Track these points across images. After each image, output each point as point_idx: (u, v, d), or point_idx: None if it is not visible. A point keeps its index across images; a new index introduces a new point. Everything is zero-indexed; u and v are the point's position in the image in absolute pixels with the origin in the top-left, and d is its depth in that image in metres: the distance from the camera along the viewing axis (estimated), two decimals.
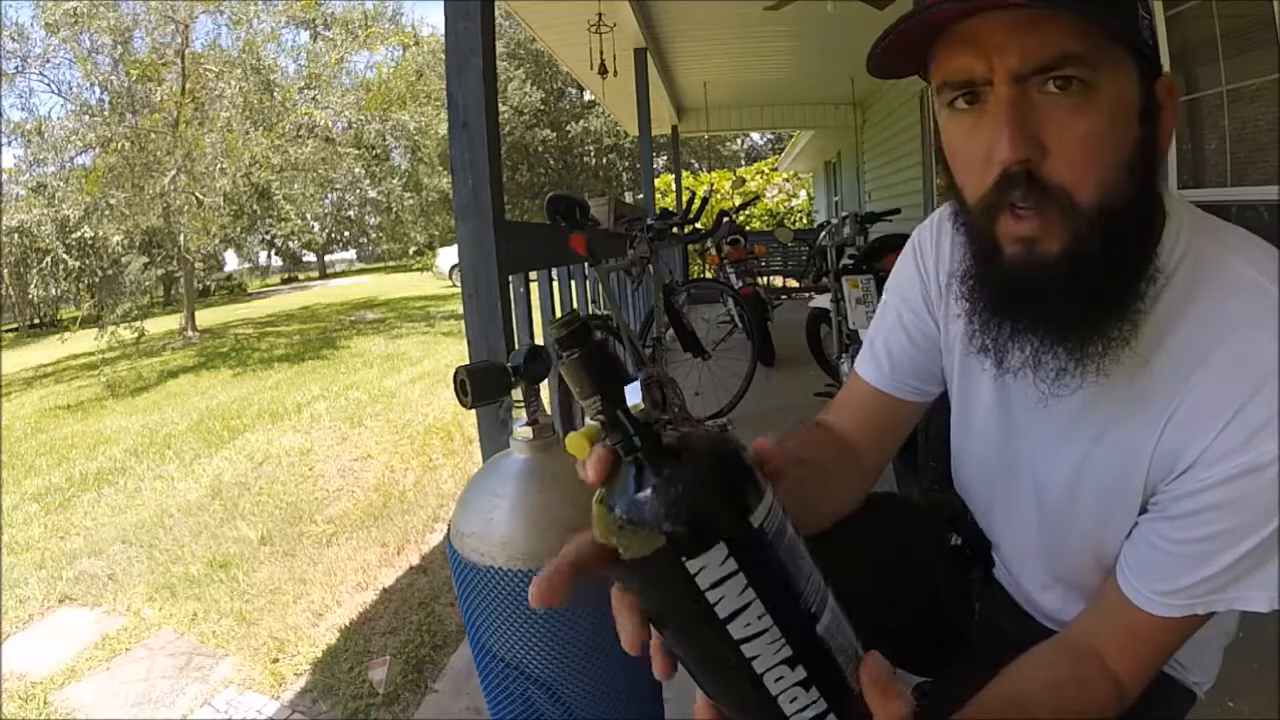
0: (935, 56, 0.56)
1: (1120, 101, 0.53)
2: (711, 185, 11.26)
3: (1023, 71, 0.51)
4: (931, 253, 0.77)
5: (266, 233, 22.57)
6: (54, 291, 11.27)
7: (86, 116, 10.49)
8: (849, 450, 0.77)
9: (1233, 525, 0.54)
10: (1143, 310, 0.56)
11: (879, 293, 2.25)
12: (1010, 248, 0.56)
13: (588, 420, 0.41)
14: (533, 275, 2.16)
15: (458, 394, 0.82)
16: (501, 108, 2.73)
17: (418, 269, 20.39)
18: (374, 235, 22.31)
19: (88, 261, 10.30)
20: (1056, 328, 0.56)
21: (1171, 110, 0.57)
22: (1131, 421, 0.60)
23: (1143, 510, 0.61)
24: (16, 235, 10.00)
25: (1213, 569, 0.55)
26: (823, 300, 4.04)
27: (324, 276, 26.52)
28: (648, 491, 0.37)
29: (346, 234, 25.01)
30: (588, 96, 20.84)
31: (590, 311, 2.77)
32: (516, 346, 1.56)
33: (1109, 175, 0.53)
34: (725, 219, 5.07)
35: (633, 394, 0.41)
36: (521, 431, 0.83)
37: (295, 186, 13.13)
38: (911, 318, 0.78)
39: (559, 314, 2.43)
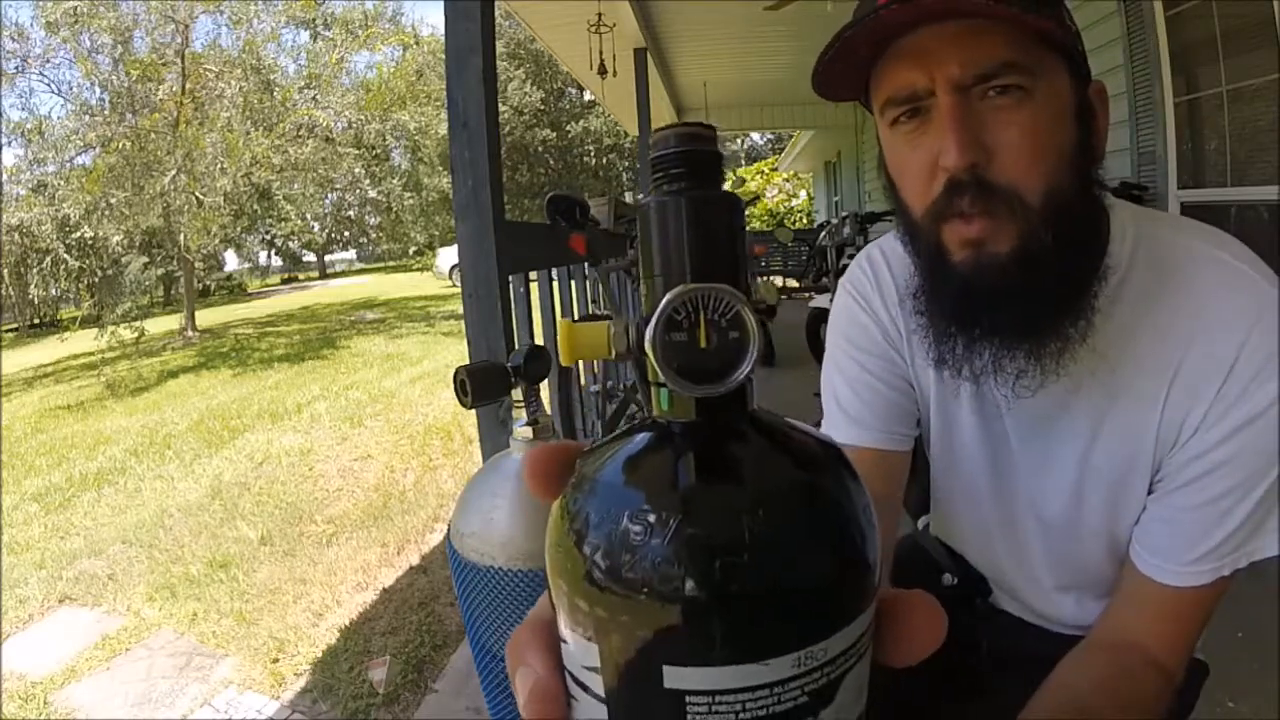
0: (877, 78, 0.58)
1: (1057, 103, 0.54)
2: None
3: (963, 81, 0.52)
4: (875, 293, 0.74)
5: (266, 233, 22.59)
6: (54, 291, 11.28)
7: (86, 116, 10.50)
8: None
9: (1244, 476, 0.56)
10: (1098, 308, 0.57)
11: None
12: (959, 253, 0.56)
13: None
14: (533, 275, 2.16)
15: (458, 394, 0.82)
16: (501, 108, 2.72)
17: (418, 269, 20.38)
18: (374, 235, 22.34)
19: (88, 261, 10.30)
20: (1013, 330, 0.57)
21: (1104, 113, 0.59)
22: (1128, 410, 0.60)
23: (1149, 491, 0.62)
24: (16, 235, 10.01)
25: (1233, 524, 0.57)
26: (823, 300, 4.05)
27: (324, 276, 26.51)
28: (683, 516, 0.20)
29: (346, 234, 25.02)
30: (588, 96, 20.84)
31: (590, 311, 2.77)
32: (516, 346, 1.56)
33: (1053, 174, 0.54)
34: None
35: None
36: (521, 431, 0.83)
37: (295, 186, 13.14)
38: (875, 362, 0.74)
39: (559, 314, 2.44)
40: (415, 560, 2.77)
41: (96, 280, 10.29)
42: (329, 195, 16.52)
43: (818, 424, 0.77)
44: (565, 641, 0.23)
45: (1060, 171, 0.54)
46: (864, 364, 0.74)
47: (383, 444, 4.46)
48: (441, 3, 1.60)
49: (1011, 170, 0.53)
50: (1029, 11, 0.50)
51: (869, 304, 0.75)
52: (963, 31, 0.52)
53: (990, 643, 0.83)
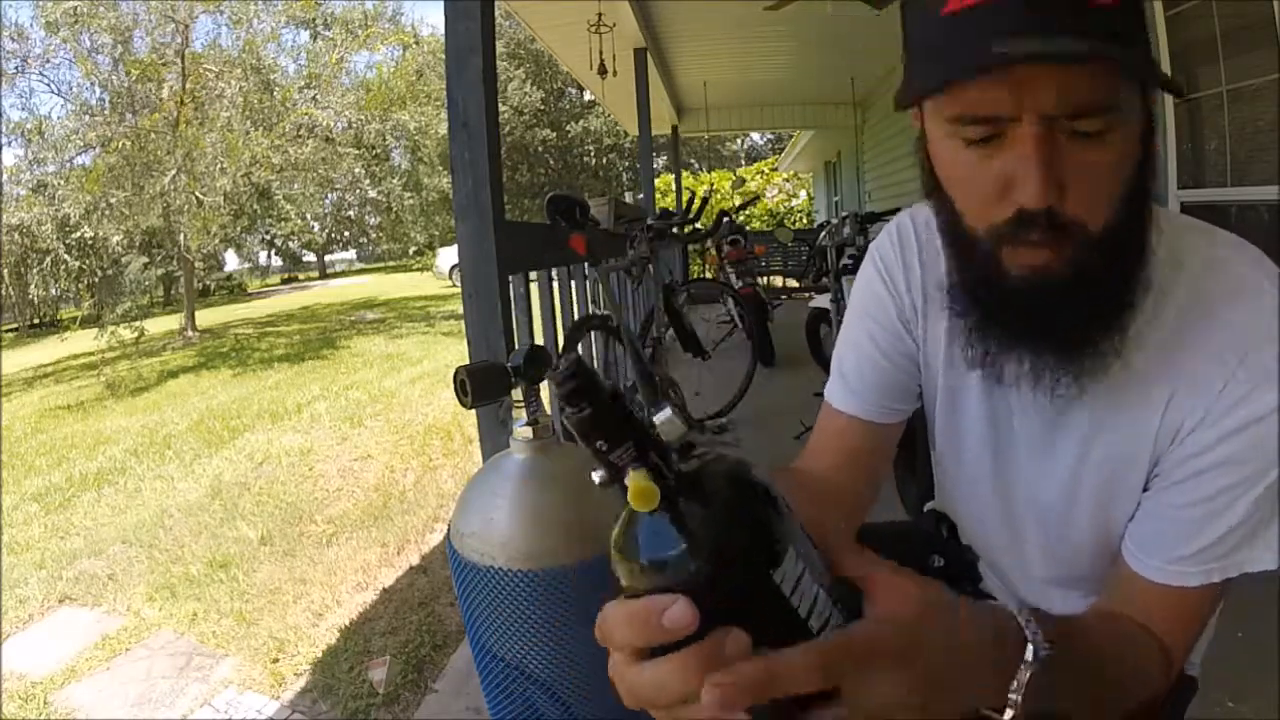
0: (951, 83, 0.54)
1: (1133, 135, 0.53)
2: (711, 185, 11.25)
3: (1055, 114, 0.50)
4: (899, 269, 0.74)
5: (266, 233, 22.58)
6: (54, 291, 11.29)
7: (86, 116, 10.50)
8: (829, 502, 0.74)
9: (1238, 479, 0.56)
10: (1134, 321, 0.57)
11: None
12: (1016, 271, 0.56)
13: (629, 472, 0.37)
14: (533, 275, 2.16)
15: (458, 394, 0.82)
16: (501, 108, 2.72)
17: (418, 269, 20.38)
18: (374, 235, 22.32)
19: (88, 261, 10.31)
20: (1055, 345, 0.57)
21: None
22: (1133, 407, 0.61)
23: (1145, 488, 0.62)
24: (16, 235, 10.01)
25: (1222, 527, 0.57)
26: (823, 300, 4.05)
27: (324, 276, 26.51)
28: (683, 539, 0.35)
29: (346, 234, 25.02)
30: (588, 96, 20.84)
31: (590, 311, 2.77)
32: (516, 346, 1.56)
33: (1117, 203, 0.54)
34: (725, 219, 5.07)
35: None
36: (521, 431, 0.83)
37: (295, 186, 13.13)
38: (885, 336, 0.76)
39: (559, 314, 2.44)
40: (415, 560, 2.77)
41: (96, 280, 10.30)
42: (329, 195, 16.51)
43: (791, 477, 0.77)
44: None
45: (1123, 199, 0.54)
46: (874, 335, 0.76)
47: (383, 444, 4.46)
48: (441, 3, 1.60)
49: (1081, 207, 0.52)
50: (1129, 47, 0.49)
51: (891, 278, 0.75)
52: (1062, 65, 0.49)
53: None
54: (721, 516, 0.35)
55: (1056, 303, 0.55)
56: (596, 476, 0.37)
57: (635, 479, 0.35)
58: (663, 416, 0.36)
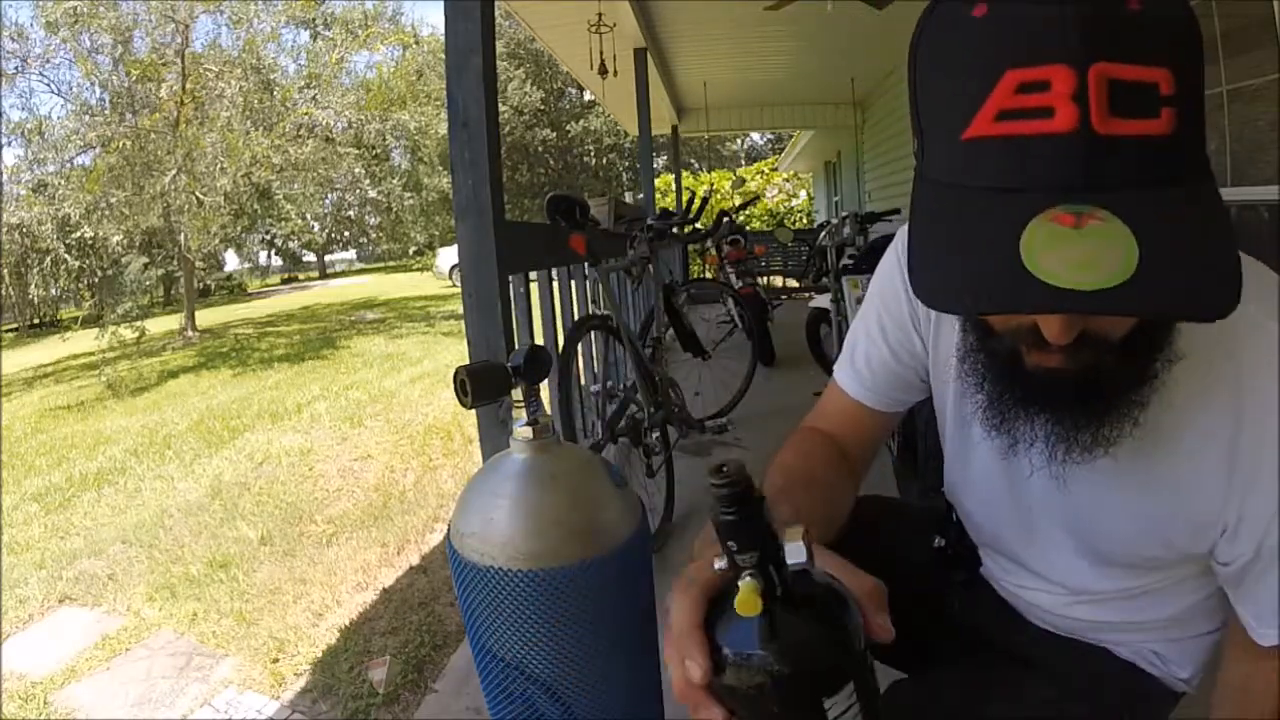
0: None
1: None
2: (711, 185, 11.25)
3: None
4: None
5: (266, 233, 22.58)
6: (54, 291, 11.30)
7: (87, 116, 10.50)
8: (847, 461, 0.78)
9: None
10: (1157, 387, 0.55)
11: None
12: (1033, 366, 0.54)
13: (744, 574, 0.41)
14: (533, 275, 2.16)
15: (458, 394, 0.82)
16: (501, 108, 2.73)
17: (418, 269, 20.39)
18: (374, 235, 22.30)
19: (88, 261, 10.33)
20: (1072, 425, 0.56)
21: None
22: (1160, 455, 0.60)
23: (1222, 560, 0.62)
24: (17, 235, 10.02)
25: None
26: (823, 300, 4.04)
27: (324, 276, 26.51)
28: (764, 650, 0.39)
29: (346, 234, 25.01)
30: (588, 96, 20.84)
31: (590, 311, 2.76)
32: (516, 346, 1.56)
33: None
34: (725, 219, 5.06)
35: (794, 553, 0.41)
36: (521, 431, 0.83)
37: (295, 186, 13.12)
38: (897, 333, 0.76)
39: (559, 314, 2.44)
40: (415, 560, 2.77)
41: (97, 280, 10.31)
42: (329, 195, 16.50)
43: (816, 436, 0.81)
44: None
45: None
46: (886, 330, 0.77)
47: (383, 444, 4.46)
48: (441, 3, 1.60)
49: (1107, 324, 0.50)
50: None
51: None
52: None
53: (962, 607, 0.84)
54: (801, 646, 0.40)
55: (1075, 393, 0.53)
56: (718, 563, 0.42)
57: (747, 587, 0.39)
58: (793, 548, 0.40)
